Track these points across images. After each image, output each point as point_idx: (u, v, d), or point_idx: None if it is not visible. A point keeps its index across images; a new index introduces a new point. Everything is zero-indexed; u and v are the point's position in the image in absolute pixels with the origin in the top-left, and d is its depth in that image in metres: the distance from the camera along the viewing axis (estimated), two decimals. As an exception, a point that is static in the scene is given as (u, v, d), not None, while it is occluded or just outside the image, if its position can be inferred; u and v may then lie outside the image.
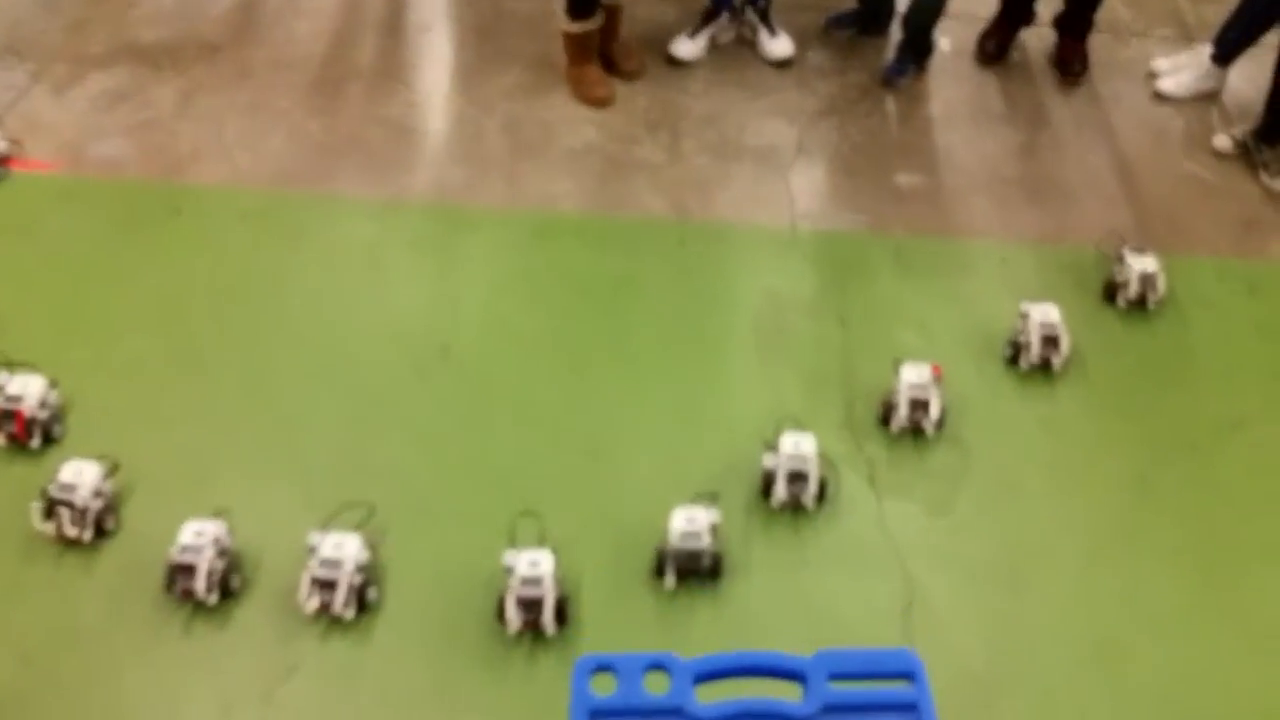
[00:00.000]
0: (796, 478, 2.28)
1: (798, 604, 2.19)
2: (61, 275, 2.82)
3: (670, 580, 2.16)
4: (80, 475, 2.21)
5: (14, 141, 3.17)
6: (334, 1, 3.93)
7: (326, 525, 2.16)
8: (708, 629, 2.15)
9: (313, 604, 2.07)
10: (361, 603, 2.10)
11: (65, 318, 2.69)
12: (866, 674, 1.11)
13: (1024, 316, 2.64)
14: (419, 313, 2.75)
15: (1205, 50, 3.56)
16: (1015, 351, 2.64)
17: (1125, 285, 2.77)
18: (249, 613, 2.14)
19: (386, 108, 3.43)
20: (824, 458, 2.34)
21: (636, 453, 2.45)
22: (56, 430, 2.41)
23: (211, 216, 3.01)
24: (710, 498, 2.25)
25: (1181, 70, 3.61)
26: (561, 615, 2.07)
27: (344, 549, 2.09)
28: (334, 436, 2.45)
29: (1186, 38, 3.86)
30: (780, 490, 2.28)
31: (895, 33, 3.71)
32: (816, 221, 3.08)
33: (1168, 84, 3.59)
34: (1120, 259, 2.82)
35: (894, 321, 2.77)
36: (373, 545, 2.15)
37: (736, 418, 2.51)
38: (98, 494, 2.22)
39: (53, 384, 2.42)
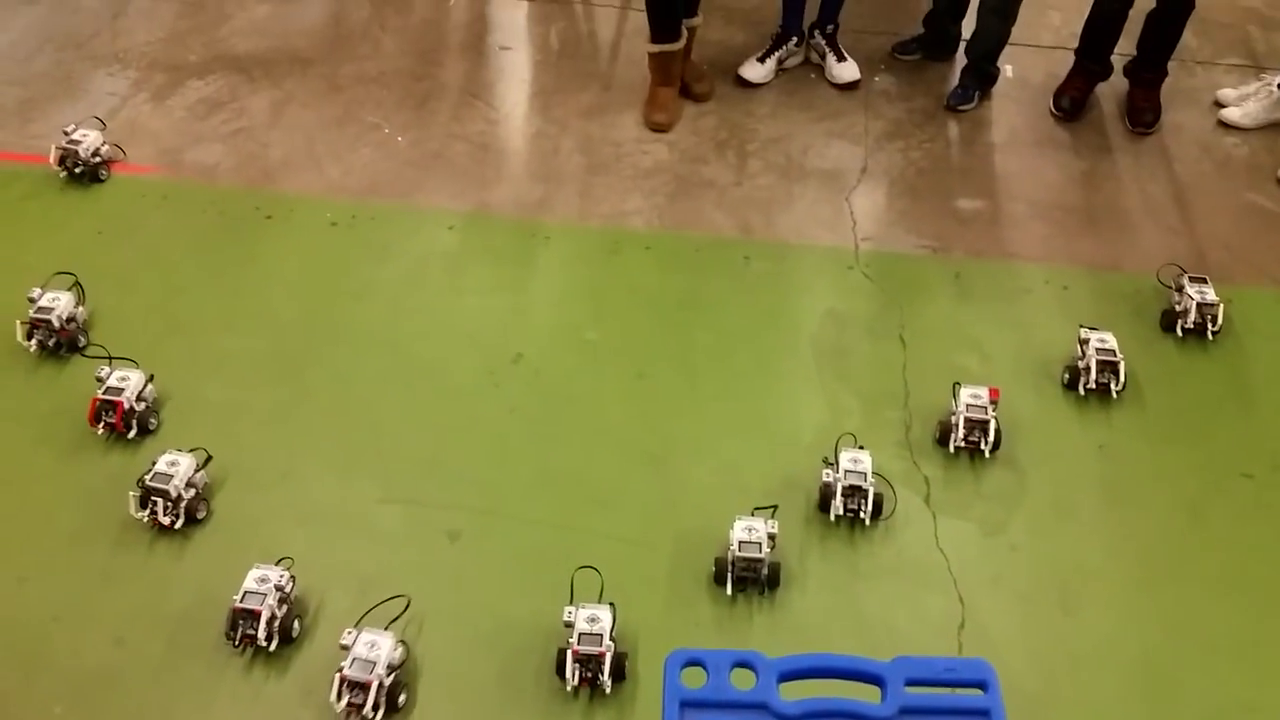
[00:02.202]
0: (854, 492, 2.37)
1: (852, 617, 2.26)
2: (159, 275, 2.99)
3: (729, 588, 2.26)
4: (175, 466, 2.36)
5: (116, 145, 3.37)
6: (420, 20, 4.10)
7: (360, 623, 2.14)
8: (764, 636, 2.23)
9: (341, 704, 2.04)
10: (392, 704, 2.07)
11: (162, 315, 2.86)
12: (942, 681, 1.17)
13: (1082, 342, 2.70)
14: (494, 321, 2.87)
15: (1275, 79, 3.57)
16: (1073, 376, 2.69)
17: (1184, 314, 2.81)
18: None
19: (468, 124, 3.58)
20: (881, 475, 2.42)
21: (698, 463, 2.54)
22: (152, 422, 2.57)
23: (301, 223, 3.17)
24: (770, 510, 2.34)
25: (1249, 99, 3.62)
26: (620, 671, 2.09)
27: (378, 648, 2.05)
28: (411, 436, 2.57)
29: (1255, 66, 3.87)
30: (838, 504, 2.37)
31: (960, 59, 3.77)
32: (878, 243, 3.16)
33: (1234, 113, 3.61)
34: (1179, 288, 2.86)
35: (953, 343, 2.83)
36: (407, 643, 2.14)
37: (796, 432, 2.60)
38: (190, 484, 2.36)
39: (149, 378, 2.59)
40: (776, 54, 3.76)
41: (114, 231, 3.13)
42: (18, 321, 2.69)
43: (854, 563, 2.35)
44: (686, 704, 1.13)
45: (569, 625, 2.10)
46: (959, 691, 1.18)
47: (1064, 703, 2.12)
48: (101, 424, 2.52)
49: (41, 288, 2.75)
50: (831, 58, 3.76)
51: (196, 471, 2.39)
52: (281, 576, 2.18)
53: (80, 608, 2.22)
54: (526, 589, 2.26)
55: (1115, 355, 2.65)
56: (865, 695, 1.18)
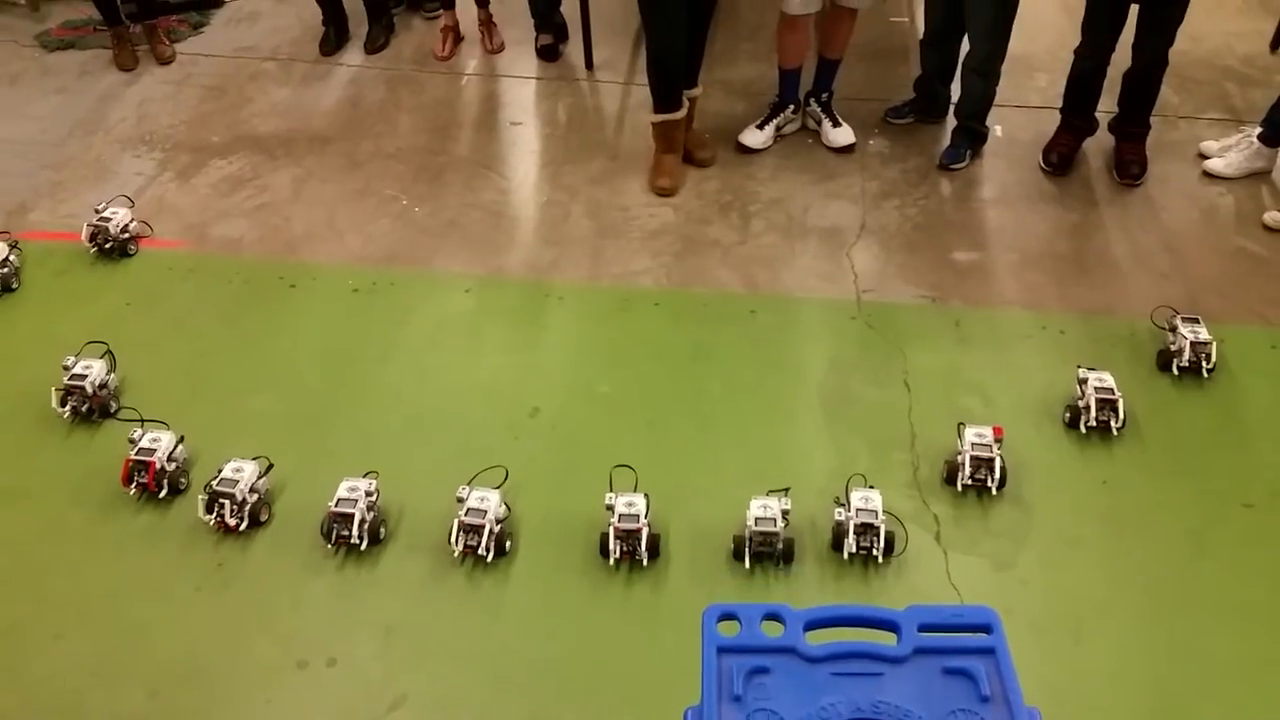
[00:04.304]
0: (865, 530, 2.44)
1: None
2: (186, 342, 3.10)
3: (747, 561, 2.43)
4: (240, 472, 2.55)
5: (143, 222, 3.52)
6: (433, 99, 4.29)
7: (471, 481, 2.52)
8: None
9: (459, 548, 2.42)
10: (500, 549, 2.45)
11: (190, 379, 2.97)
12: (951, 626, 1.27)
13: (1081, 382, 2.79)
14: (511, 377, 2.97)
15: (1254, 131, 3.71)
16: (1074, 415, 2.77)
17: (1179, 353, 2.90)
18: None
19: (482, 194, 3.74)
20: (891, 514, 2.49)
21: (711, 508, 2.59)
22: (183, 482, 2.66)
23: (323, 291, 3.30)
24: (783, 491, 2.51)
25: (1231, 150, 3.76)
26: (654, 550, 2.43)
27: (487, 501, 2.45)
28: (433, 490, 2.63)
29: (1235, 120, 4.02)
30: (851, 542, 2.44)
31: (951, 120, 3.93)
32: (879, 295, 3.27)
33: (1217, 164, 3.75)
34: (1173, 329, 2.95)
35: (956, 387, 2.92)
36: (508, 503, 2.52)
37: (807, 476, 2.66)
38: (254, 489, 2.55)
39: (180, 440, 2.68)
40: (775, 121, 3.93)
41: (142, 303, 3.26)
42: (53, 389, 2.80)
43: (868, 599, 2.40)
44: (723, 649, 1.24)
45: (610, 509, 2.44)
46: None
47: (1079, 730, 2.16)
48: (134, 484, 2.61)
49: (75, 356, 2.86)
50: (827, 123, 3.92)
51: (260, 478, 2.58)
52: (370, 484, 2.51)
53: (115, 662, 2.28)
54: (552, 628, 2.33)
55: (1114, 393, 2.74)
56: (884, 641, 1.28)
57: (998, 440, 2.61)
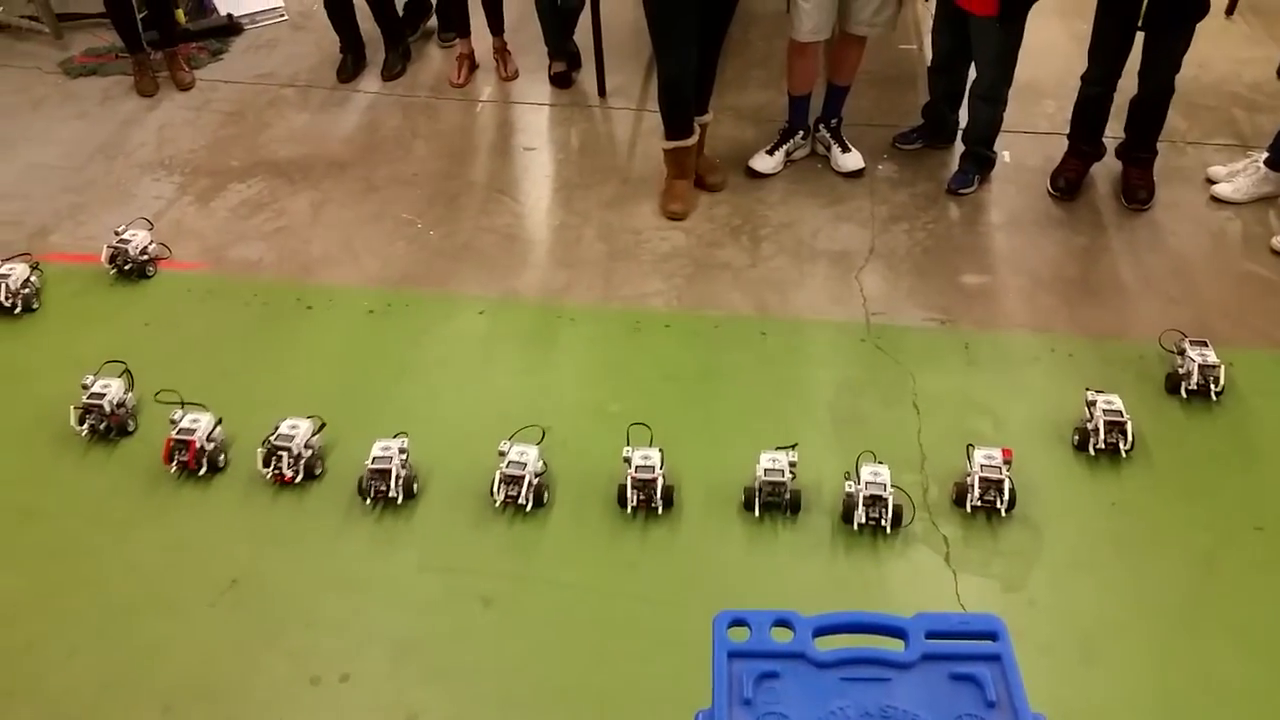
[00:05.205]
0: (874, 501, 2.55)
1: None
2: (204, 361, 3.14)
3: (757, 510, 2.60)
4: (295, 428, 2.74)
5: (162, 244, 3.57)
6: (449, 126, 4.36)
7: (512, 437, 2.71)
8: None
9: (500, 498, 2.61)
10: (538, 500, 2.64)
11: (208, 399, 2.95)
12: (958, 633, 1.30)
13: (1090, 404, 2.80)
14: (523, 397, 3.00)
15: (1261, 156, 3.74)
16: (1082, 438, 2.79)
17: (1187, 377, 2.91)
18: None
19: (496, 218, 3.79)
20: (898, 488, 2.61)
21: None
22: (221, 460, 2.79)
23: (339, 312, 3.34)
24: (790, 447, 2.67)
25: (1238, 175, 3.78)
26: (669, 500, 2.60)
27: (526, 455, 2.64)
28: (448, 504, 2.69)
29: (1242, 145, 4.05)
30: (860, 514, 2.55)
31: (959, 146, 3.97)
32: (888, 317, 3.29)
33: (1225, 189, 3.77)
34: (1181, 352, 2.97)
35: (965, 409, 2.93)
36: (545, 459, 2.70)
37: (816, 500, 2.67)
38: (308, 445, 2.73)
39: (218, 421, 2.80)
40: (784, 146, 3.98)
41: (161, 323, 3.31)
42: (71, 407, 2.84)
43: (877, 598, 2.43)
44: (734, 654, 1.26)
45: (627, 461, 2.61)
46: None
47: (1088, 751, 2.15)
48: (175, 462, 2.73)
49: (93, 375, 2.91)
50: (836, 149, 3.97)
51: (314, 435, 2.77)
52: (401, 442, 2.68)
53: (128, 678, 2.30)
54: (565, 653, 2.34)
55: (1122, 416, 2.75)
56: (892, 648, 1.31)
57: (1007, 462, 2.62)
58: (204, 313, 3.35)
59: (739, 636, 1.28)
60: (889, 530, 2.56)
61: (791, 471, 2.61)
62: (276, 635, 2.38)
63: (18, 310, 3.30)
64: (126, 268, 3.45)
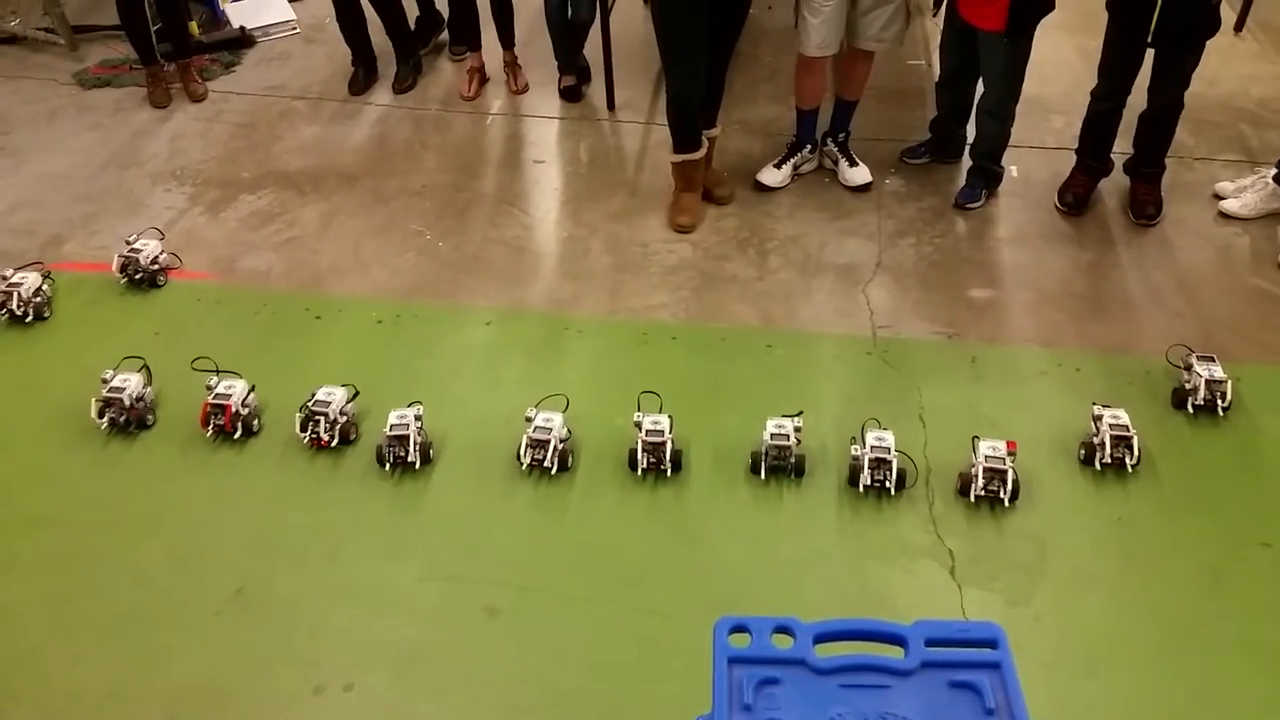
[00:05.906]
0: (879, 465, 2.66)
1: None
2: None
3: (763, 474, 2.72)
4: (331, 395, 2.85)
5: (173, 254, 3.60)
6: (458, 138, 4.39)
7: (539, 404, 2.83)
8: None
9: (526, 462, 2.73)
10: (563, 464, 2.75)
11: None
12: (957, 640, 1.30)
13: (1096, 418, 2.80)
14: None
15: (1269, 172, 3.74)
16: (1089, 452, 2.78)
17: (1194, 392, 2.91)
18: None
19: (505, 230, 3.81)
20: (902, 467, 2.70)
21: (727, 541, 2.63)
22: (256, 424, 2.93)
23: (348, 322, 3.36)
24: (796, 415, 2.80)
25: (1246, 191, 3.78)
26: (677, 464, 2.72)
27: (552, 421, 2.76)
28: (452, 516, 2.70)
29: (1250, 161, 4.05)
30: (865, 476, 2.65)
31: (966, 161, 3.98)
32: (895, 331, 3.30)
33: (1233, 205, 3.77)
34: (1188, 367, 2.96)
35: (971, 423, 2.92)
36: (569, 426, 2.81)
37: (822, 508, 2.68)
38: (343, 411, 2.85)
39: (252, 388, 2.95)
40: (792, 160, 3.99)
41: (171, 332, 3.33)
42: (92, 399, 2.89)
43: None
44: (734, 660, 1.27)
45: (638, 425, 2.73)
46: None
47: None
48: (211, 426, 2.87)
49: (113, 370, 2.96)
50: (844, 163, 3.98)
51: (348, 402, 2.89)
52: (417, 410, 2.79)
53: (134, 684, 2.31)
54: (576, 664, 2.34)
55: (1128, 430, 2.75)
56: (892, 655, 1.31)
57: (1011, 454, 2.64)
58: (213, 322, 3.37)
59: (739, 642, 1.28)
60: (893, 492, 2.67)
61: (797, 436, 2.72)
62: (282, 644, 2.39)
63: (29, 319, 3.33)
64: (137, 277, 3.49)
